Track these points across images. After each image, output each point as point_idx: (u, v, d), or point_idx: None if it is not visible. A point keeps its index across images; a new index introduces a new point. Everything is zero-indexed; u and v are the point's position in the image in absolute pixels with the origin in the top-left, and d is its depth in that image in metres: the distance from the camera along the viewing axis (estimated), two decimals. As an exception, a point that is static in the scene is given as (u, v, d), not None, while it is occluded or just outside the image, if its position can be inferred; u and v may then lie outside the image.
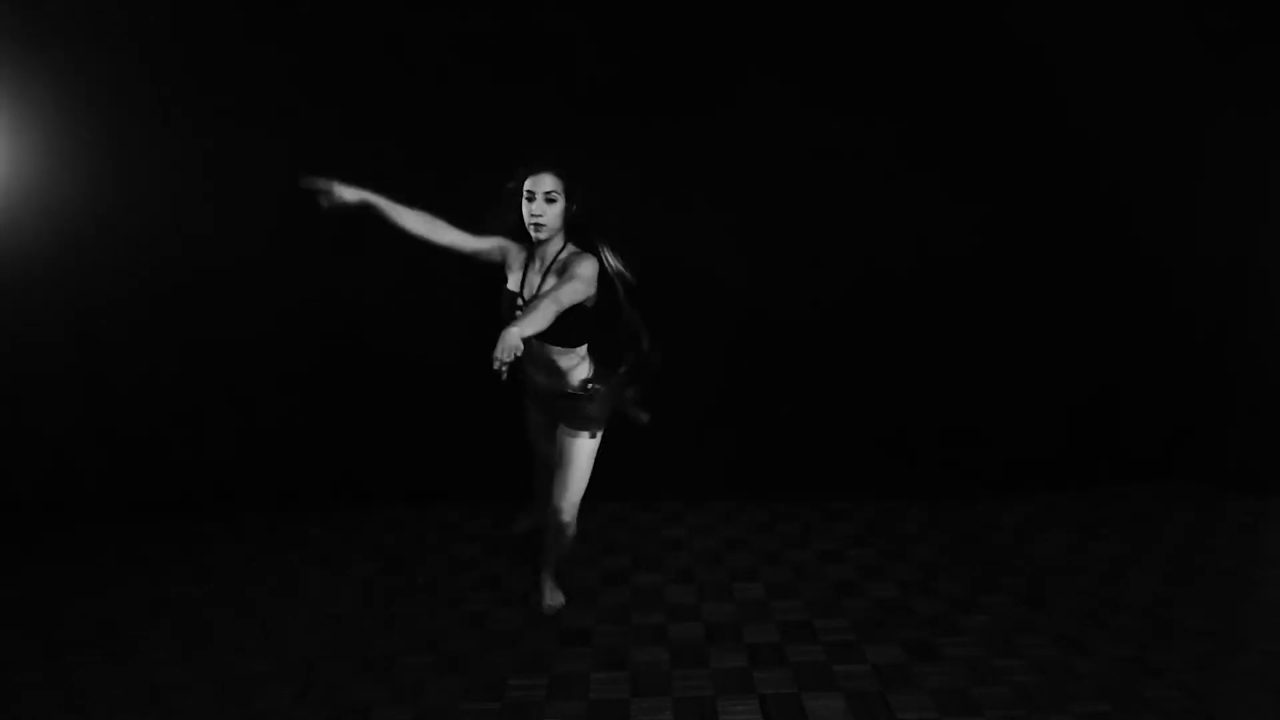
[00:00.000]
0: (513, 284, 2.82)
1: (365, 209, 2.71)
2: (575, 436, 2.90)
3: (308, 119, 3.87)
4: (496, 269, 2.92)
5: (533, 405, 3.19)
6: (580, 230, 2.76)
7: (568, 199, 2.69)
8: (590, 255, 2.69)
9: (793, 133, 3.99)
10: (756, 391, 4.22)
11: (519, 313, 2.56)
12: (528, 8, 3.83)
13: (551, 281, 2.67)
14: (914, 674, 2.68)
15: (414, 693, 2.63)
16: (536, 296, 2.61)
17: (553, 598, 3.21)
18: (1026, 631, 2.94)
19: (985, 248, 4.11)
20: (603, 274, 2.70)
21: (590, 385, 2.85)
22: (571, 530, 3.04)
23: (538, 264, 2.78)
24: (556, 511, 2.97)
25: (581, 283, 2.58)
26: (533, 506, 3.66)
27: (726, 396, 4.23)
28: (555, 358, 2.81)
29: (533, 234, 2.69)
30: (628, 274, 2.75)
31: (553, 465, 3.04)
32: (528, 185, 2.68)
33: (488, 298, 4.08)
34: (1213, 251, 4.21)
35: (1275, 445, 4.26)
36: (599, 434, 2.93)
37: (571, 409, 2.89)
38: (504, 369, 2.29)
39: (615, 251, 2.74)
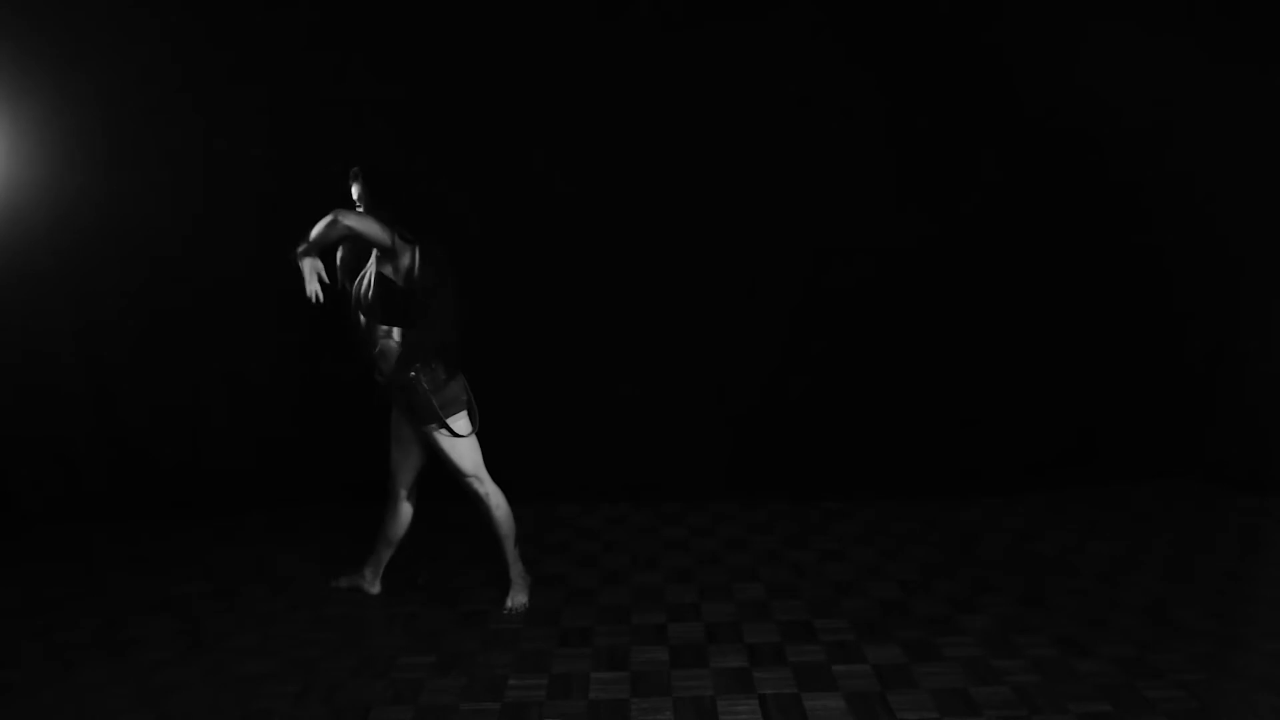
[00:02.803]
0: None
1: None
2: (434, 433, 3.02)
3: (307, 119, 3.87)
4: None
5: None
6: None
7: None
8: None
9: (793, 133, 3.99)
10: (756, 391, 4.22)
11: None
12: (528, 8, 3.83)
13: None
14: (914, 674, 2.68)
15: (414, 693, 2.63)
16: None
17: (514, 599, 3.17)
18: (1026, 631, 2.93)
19: (988, 250, 4.11)
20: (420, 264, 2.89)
21: (414, 374, 2.95)
22: (494, 500, 3.09)
23: None
24: (467, 489, 3.07)
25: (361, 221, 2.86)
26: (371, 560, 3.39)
27: (726, 396, 4.23)
28: (379, 338, 2.95)
29: None
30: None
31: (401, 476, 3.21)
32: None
33: (490, 299, 4.11)
34: (1213, 253, 4.21)
35: (1275, 445, 4.26)
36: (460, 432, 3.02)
37: (408, 403, 3.00)
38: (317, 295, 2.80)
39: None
